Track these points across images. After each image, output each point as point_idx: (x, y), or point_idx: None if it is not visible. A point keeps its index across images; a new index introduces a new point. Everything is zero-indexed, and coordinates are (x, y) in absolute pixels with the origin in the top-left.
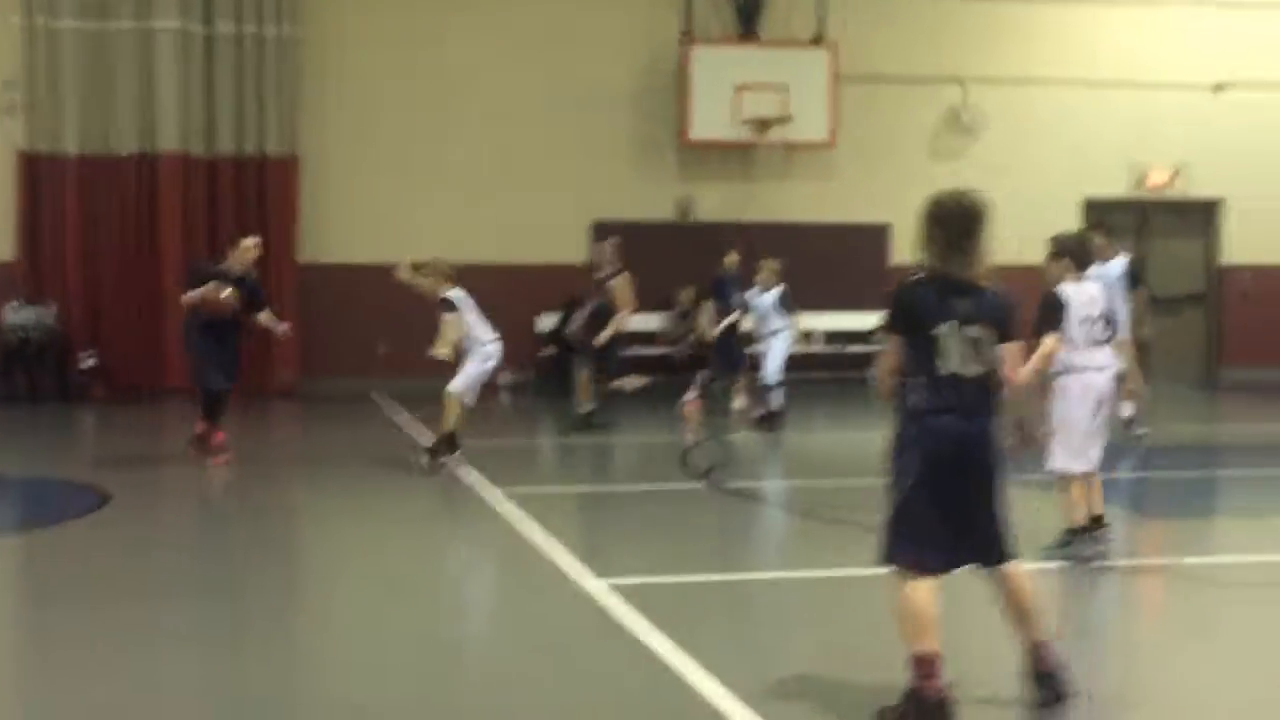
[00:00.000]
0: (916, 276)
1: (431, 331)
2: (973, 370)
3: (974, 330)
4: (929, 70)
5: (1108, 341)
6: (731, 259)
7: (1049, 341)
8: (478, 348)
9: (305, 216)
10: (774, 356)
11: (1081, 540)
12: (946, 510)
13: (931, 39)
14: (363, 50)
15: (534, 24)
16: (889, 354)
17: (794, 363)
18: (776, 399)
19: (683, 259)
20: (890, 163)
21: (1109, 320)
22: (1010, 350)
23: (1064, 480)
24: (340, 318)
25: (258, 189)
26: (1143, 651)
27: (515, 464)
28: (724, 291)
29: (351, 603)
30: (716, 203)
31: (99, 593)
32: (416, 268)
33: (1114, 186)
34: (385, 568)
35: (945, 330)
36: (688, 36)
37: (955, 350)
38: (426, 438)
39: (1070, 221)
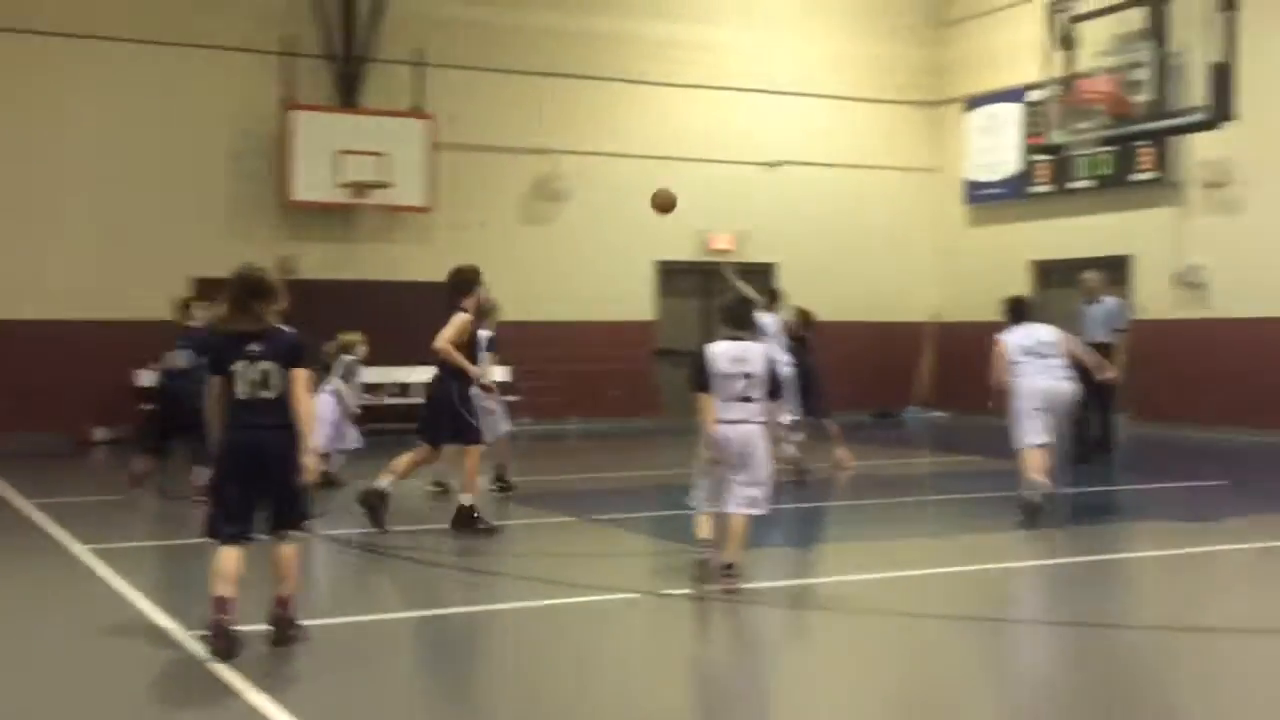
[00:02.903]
0: (217, 329)
1: (50, 387)
2: (263, 395)
3: (264, 365)
4: (521, 141)
5: (752, 399)
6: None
7: (700, 399)
8: None
9: None
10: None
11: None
12: (240, 496)
13: (523, 112)
14: None
15: (137, 82)
16: (212, 388)
17: (397, 415)
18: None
19: (287, 315)
20: (486, 227)
21: (765, 379)
22: (298, 376)
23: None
24: None
25: None
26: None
27: (105, 519)
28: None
29: None
30: (319, 261)
31: None
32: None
33: (683, 251)
34: None
35: (239, 368)
36: (289, 102)
37: (245, 381)
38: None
39: (643, 282)
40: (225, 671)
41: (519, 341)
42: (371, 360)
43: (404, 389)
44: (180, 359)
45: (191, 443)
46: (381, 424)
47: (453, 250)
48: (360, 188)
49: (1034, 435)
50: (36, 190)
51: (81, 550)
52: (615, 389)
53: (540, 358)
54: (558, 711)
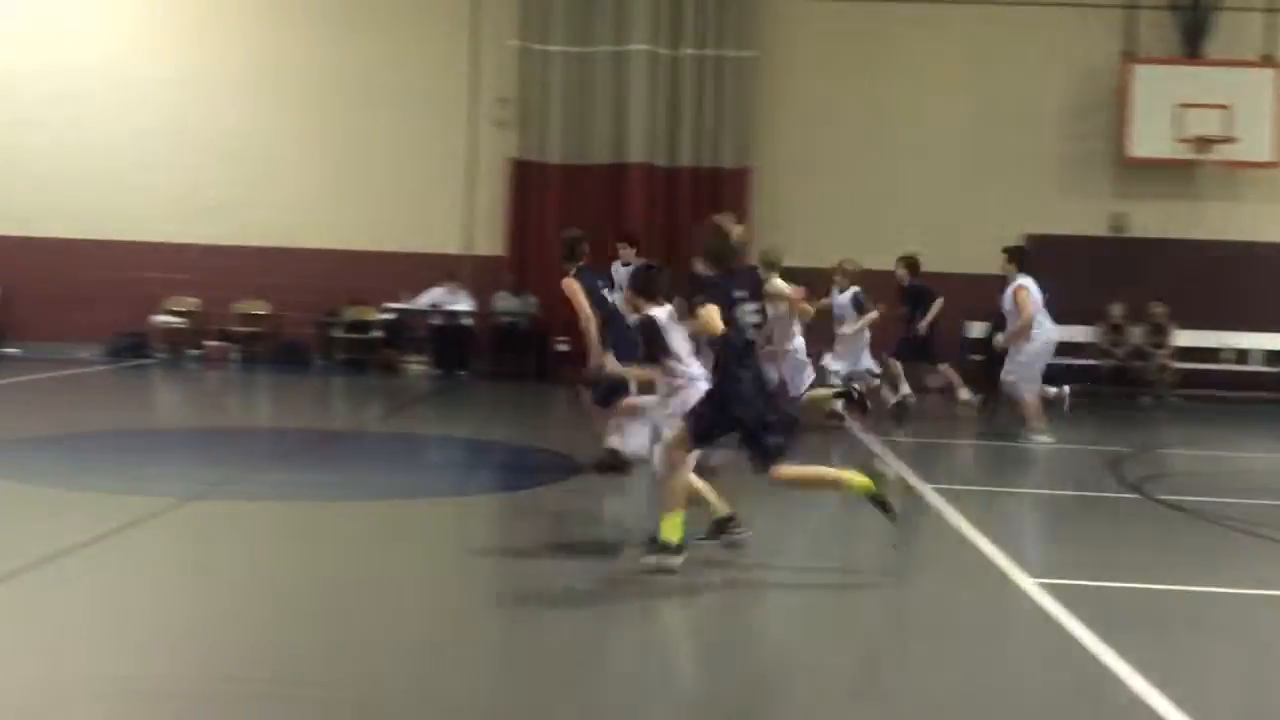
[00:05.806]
0: None
1: None
2: None
3: None
4: None
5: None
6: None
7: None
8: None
9: (758, 222)
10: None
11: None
12: None
13: None
14: (811, 73)
15: (969, 46)
16: None
17: (1232, 382)
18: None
19: (1114, 274)
20: None
21: None
22: None
23: None
24: None
25: (712, 197)
26: None
27: (945, 462)
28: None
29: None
30: (1154, 219)
31: (561, 550)
32: None
33: None
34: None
35: None
36: (1128, 55)
37: None
38: None
39: None
40: (1062, 613)
41: None
42: (1197, 324)
43: (1241, 355)
44: None
45: None
46: (1216, 390)
47: None
48: (1201, 143)
49: None
50: (877, 148)
51: (927, 489)
52: None
53: None
54: None
